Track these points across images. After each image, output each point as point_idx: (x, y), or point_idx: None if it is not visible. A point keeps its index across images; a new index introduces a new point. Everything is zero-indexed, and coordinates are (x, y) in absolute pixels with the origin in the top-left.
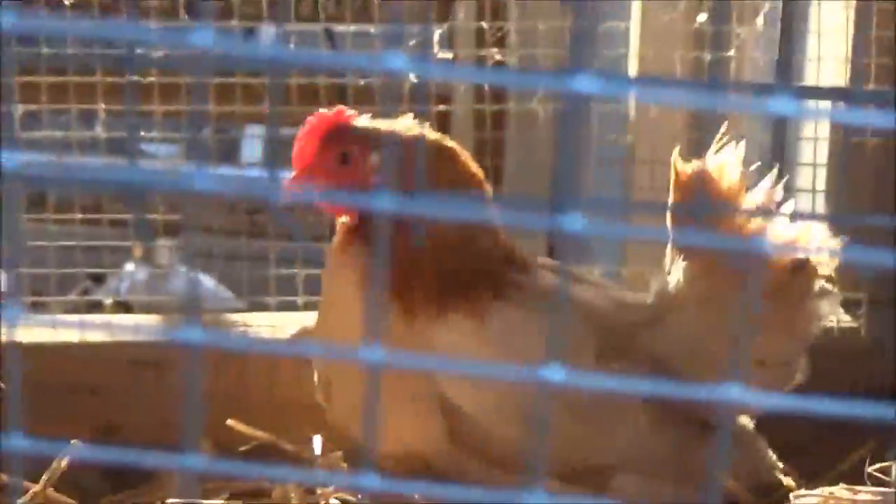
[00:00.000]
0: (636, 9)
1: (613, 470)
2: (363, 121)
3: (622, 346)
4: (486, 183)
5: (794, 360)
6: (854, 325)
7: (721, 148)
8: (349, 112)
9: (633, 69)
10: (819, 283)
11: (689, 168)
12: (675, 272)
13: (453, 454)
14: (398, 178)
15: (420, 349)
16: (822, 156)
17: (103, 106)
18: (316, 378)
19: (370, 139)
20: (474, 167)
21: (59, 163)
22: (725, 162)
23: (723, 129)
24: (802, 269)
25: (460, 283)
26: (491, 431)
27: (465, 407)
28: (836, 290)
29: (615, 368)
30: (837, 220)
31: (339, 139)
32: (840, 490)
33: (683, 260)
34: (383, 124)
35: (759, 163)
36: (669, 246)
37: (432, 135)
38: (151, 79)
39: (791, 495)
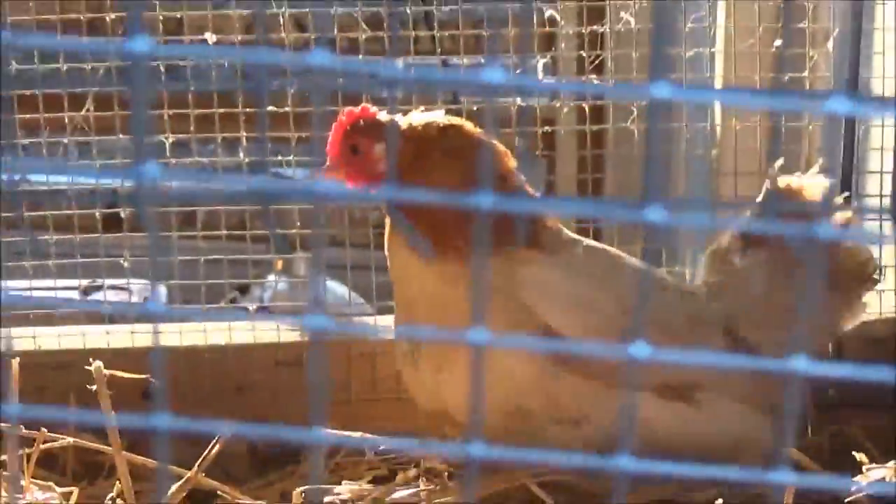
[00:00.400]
0: (720, 36)
1: (700, 387)
2: (382, 116)
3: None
4: (498, 147)
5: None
6: None
7: (809, 169)
8: (371, 109)
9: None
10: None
11: (783, 180)
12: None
13: (558, 380)
14: (408, 163)
15: (505, 283)
16: (889, 164)
17: (245, 134)
18: (399, 349)
19: (376, 131)
20: (484, 136)
21: (207, 182)
22: (812, 182)
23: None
24: (869, 265)
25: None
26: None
27: (568, 332)
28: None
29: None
30: None
31: (352, 132)
32: None
33: (751, 248)
34: (395, 117)
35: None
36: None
37: (445, 119)
38: (287, 108)
39: (864, 467)
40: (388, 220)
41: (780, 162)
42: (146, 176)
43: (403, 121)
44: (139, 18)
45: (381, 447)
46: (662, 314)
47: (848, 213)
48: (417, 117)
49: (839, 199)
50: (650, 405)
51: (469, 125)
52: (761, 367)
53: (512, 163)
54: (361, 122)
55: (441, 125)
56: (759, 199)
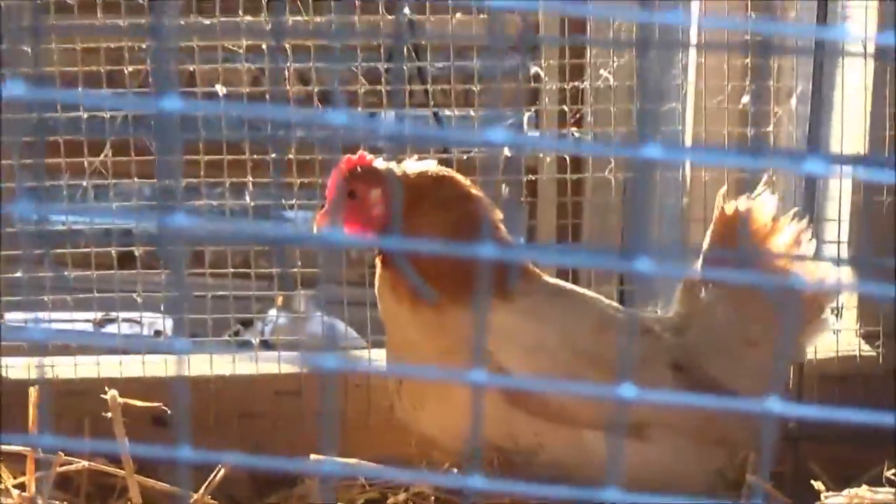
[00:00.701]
0: (690, 92)
1: (649, 425)
2: (378, 163)
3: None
4: (485, 200)
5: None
6: (873, 353)
7: (759, 195)
8: (368, 156)
9: (688, 143)
10: (827, 316)
11: (730, 206)
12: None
13: (512, 419)
14: (401, 208)
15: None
16: (846, 213)
17: (251, 179)
18: (389, 384)
19: (372, 177)
20: (473, 189)
21: (216, 225)
22: (761, 203)
23: (761, 185)
24: (821, 302)
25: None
26: (544, 392)
27: (520, 374)
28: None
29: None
30: (857, 262)
31: (350, 178)
32: (863, 491)
33: (711, 284)
34: (391, 165)
35: (796, 208)
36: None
37: (437, 169)
38: (290, 156)
39: (822, 495)
40: (378, 264)
41: (724, 189)
42: (174, 223)
43: (398, 169)
44: (169, 78)
45: (386, 478)
46: (611, 355)
47: (800, 227)
48: (412, 166)
49: (789, 215)
50: (600, 443)
51: (460, 177)
52: (733, 408)
53: (498, 215)
54: (359, 168)
55: (434, 175)
56: (710, 230)
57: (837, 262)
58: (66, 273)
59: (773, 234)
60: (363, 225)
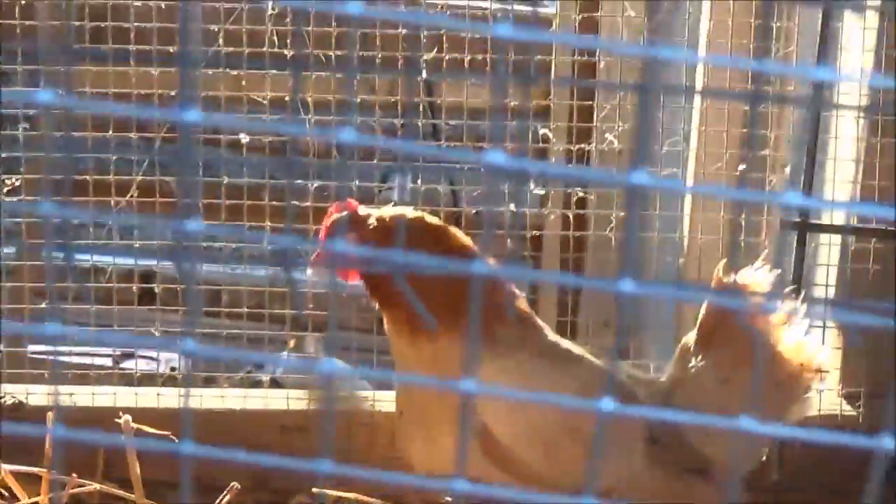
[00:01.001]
0: (691, 162)
1: (612, 492)
2: (362, 210)
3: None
4: (472, 247)
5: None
6: (854, 413)
7: (757, 269)
8: (354, 204)
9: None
10: (816, 384)
11: (727, 279)
12: (693, 359)
13: (487, 471)
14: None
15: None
16: (833, 277)
17: (269, 224)
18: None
19: (351, 223)
20: (459, 236)
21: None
22: (757, 278)
23: (759, 260)
24: (814, 371)
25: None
26: (514, 452)
27: (498, 432)
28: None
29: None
30: (842, 318)
31: (334, 224)
32: None
33: (703, 351)
34: (371, 212)
35: (790, 287)
36: (687, 340)
37: (413, 214)
38: (307, 203)
39: None
40: (376, 306)
41: (723, 262)
42: (191, 231)
43: (375, 213)
44: (192, 91)
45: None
46: (585, 425)
47: (790, 308)
48: (388, 210)
49: (784, 293)
50: None
51: (432, 218)
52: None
53: (467, 241)
54: (344, 214)
55: (407, 219)
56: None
57: (824, 325)
58: (88, 307)
59: (766, 310)
60: (345, 269)
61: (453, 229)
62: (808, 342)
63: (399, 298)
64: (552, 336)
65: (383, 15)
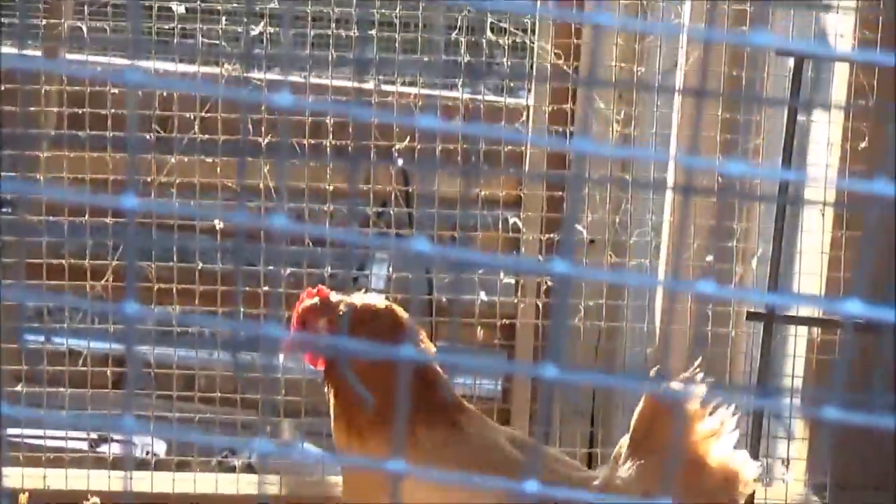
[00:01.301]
0: (663, 252)
1: None
2: (332, 297)
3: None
4: (420, 337)
5: None
6: None
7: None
8: (325, 291)
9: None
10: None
11: (657, 395)
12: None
13: None
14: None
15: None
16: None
17: (243, 309)
18: None
19: (319, 310)
20: (408, 324)
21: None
22: (690, 391)
23: (696, 363)
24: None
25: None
26: None
27: None
28: None
29: None
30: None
31: (305, 310)
32: None
33: (633, 457)
34: (341, 299)
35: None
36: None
37: (383, 304)
38: (280, 290)
39: None
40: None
41: (655, 369)
42: (129, 314)
43: (345, 301)
44: (134, 179)
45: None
46: None
47: (717, 423)
48: (358, 299)
49: (714, 404)
50: None
51: (400, 311)
52: None
53: (430, 346)
54: (315, 301)
55: (375, 309)
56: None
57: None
58: (62, 390)
59: (697, 420)
60: (312, 354)
61: (407, 321)
62: (735, 456)
63: (342, 389)
64: (487, 431)
65: (311, 106)
